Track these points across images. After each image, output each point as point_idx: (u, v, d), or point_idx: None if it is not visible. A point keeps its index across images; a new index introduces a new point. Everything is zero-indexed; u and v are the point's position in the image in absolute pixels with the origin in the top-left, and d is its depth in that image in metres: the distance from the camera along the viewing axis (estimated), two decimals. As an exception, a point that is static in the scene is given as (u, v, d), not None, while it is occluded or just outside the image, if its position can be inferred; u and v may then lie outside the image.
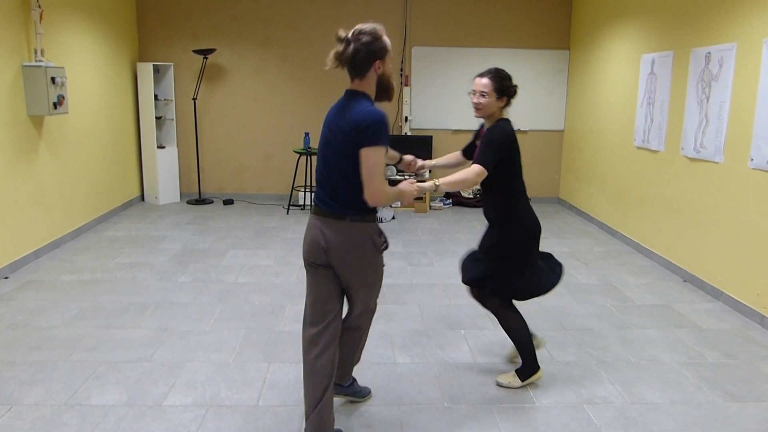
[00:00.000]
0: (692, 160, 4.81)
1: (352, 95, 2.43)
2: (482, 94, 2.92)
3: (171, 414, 2.82)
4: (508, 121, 2.96)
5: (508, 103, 3.00)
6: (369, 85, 2.44)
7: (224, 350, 3.49)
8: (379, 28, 2.49)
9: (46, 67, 4.89)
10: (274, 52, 7.56)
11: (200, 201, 7.60)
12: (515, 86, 3.01)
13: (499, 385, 3.14)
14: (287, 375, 3.21)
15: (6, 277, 4.62)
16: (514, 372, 3.16)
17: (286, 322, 3.92)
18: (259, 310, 4.11)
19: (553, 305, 4.29)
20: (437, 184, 2.72)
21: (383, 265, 2.63)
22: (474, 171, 2.78)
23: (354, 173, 2.32)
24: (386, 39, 2.49)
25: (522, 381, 3.12)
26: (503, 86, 2.95)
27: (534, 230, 2.98)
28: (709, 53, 4.55)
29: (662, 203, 5.27)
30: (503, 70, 3.03)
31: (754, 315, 4.04)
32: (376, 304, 2.79)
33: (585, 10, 7.16)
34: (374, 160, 2.28)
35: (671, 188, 5.12)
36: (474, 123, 7.71)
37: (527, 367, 3.12)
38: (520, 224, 2.95)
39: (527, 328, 3.08)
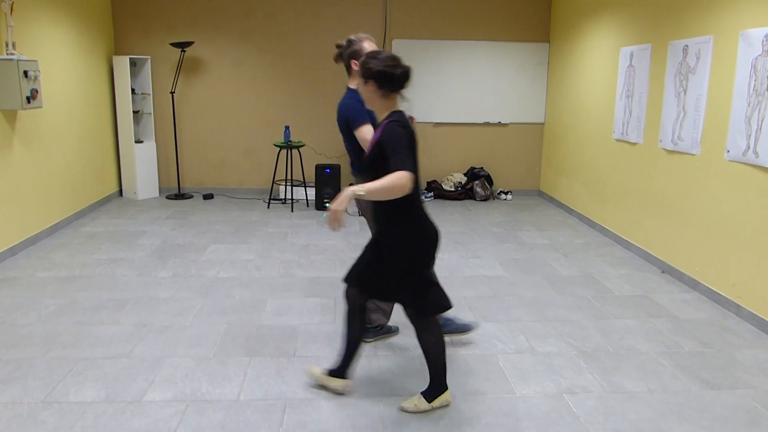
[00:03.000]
0: (670, 152, 4.87)
1: None
2: None
3: (151, 410, 2.79)
4: (398, 112, 2.62)
5: (387, 90, 2.57)
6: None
7: (205, 345, 3.46)
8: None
9: (18, 60, 4.78)
10: (253, 44, 7.50)
11: (180, 196, 7.52)
12: (375, 68, 2.52)
13: (404, 410, 2.83)
14: (268, 369, 3.20)
15: (-20, 275, 4.54)
16: (419, 394, 2.85)
17: (268, 316, 3.90)
18: (240, 304, 4.08)
19: (534, 296, 4.33)
20: (360, 192, 2.39)
21: None
22: (400, 176, 2.39)
23: None
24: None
25: (429, 402, 2.81)
26: (362, 69, 2.58)
27: (430, 238, 2.68)
28: (687, 46, 4.60)
29: (641, 195, 5.34)
30: (373, 51, 2.64)
31: (729, 304, 4.12)
32: None
33: (565, 3, 7.19)
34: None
35: (649, 180, 5.18)
36: (454, 116, 7.73)
37: (436, 386, 2.82)
38: (413, 230, 2.65)
39: (443, 344, 2.77)
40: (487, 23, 7.62)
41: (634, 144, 5.46)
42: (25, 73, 4.82)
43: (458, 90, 7.71)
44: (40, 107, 5.14)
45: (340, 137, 7.83)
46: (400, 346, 3.51)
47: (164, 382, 3.04)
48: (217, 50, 7.47)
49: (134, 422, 2.69)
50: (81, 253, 5.14)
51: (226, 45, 7.46)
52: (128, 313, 3.89)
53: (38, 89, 5.02)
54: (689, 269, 4.60)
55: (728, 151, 4.10)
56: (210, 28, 7.41)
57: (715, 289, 4.29)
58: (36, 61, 5.03)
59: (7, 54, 4.86)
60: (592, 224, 6.34)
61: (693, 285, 4.53)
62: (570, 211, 6.98)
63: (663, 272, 4.91)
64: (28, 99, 4.87)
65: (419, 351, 3.44)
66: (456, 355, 3.40)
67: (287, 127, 7.08)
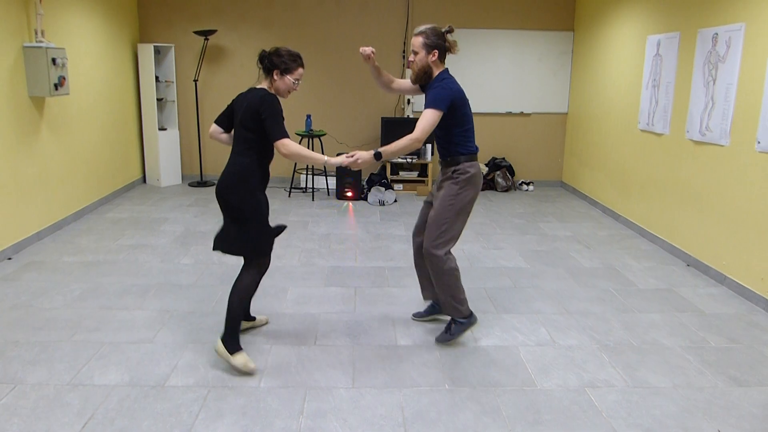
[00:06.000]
0: (697, 143, 4.76)
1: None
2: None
3: (173, 394, 2.83)
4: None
5: (270, 75, 3.08)
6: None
7: (226, 332, 3.49)
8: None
9: (47, 47, 4.84)
10: (275, 33, 7.49)
11: (202, 183, 7.58)
12: (266, 57, 3.09)
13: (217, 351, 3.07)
14: (289, 357, 3.22)
15: (9, 258, 4.62)
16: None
17: (288, 304, 3.92)
18: (261, 292, 4.10)
19: (556, 288, 4.28)
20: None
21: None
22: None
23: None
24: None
25: (230, 354, 3.01)
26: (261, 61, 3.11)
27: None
28: (717, 34, 4.48)
29: (666, 187, 5.24)
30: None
31: (758, 300, 4.03)
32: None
33: (591, -9, 7.06)
34: None
35: (676, 172, 5.08)
36: (476, 106, 7.65)
37: (230, 337, 3.04)
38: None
39: (247, 302, 3.14)
40: (511, 11, 7.51)
41: (660, 135, 5.35)
42: (54, 60, 4.88)
43: (480, 79, 7.63)
44: (67, 94, 5.20)
45: (361, 126, 7.84)
46: (419, 336, 3.51)
47: (186, 368, 3.07)
48: (240, 38, 7.48)
49: (157, 406, 2.73)
50: (105, 238, 5.21)
51: (249, 33, 7.47)
52: (151, 299, 3.94)
53: (66, 76, 5.08)
54: (716, 263, 4.51)
55: (759, 142, 4.00)
56: (233, 17, 7.42)
57: (743, 284, 4.20)
58: (64, 48, 5.09)
59: (37, 42, 4.93)
60: (616, 216, 6.25)
61: (720, 279, 4.44)
62: (593, 202, 6.88)
63: (689, 266, 4.82)
64: (56, 86, 4.94)
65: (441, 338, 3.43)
66: (477, 346, 3.39)
67: (309, 116, 7.08)
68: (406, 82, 3.47)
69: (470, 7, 7.49)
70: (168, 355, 3.20)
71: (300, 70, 3.08)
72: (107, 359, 3.14)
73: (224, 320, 3.05)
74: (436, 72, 3.21)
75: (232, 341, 3.04)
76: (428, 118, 3.05)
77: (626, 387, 2.99)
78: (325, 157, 3.06)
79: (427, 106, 3.09)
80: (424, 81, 3.24)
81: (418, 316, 3.73)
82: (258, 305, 3.88)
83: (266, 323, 3.64)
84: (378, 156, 3.06)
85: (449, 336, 3.36)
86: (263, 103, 2.93)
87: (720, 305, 4.05)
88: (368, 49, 3.29)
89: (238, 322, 3.05)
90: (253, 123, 2.96)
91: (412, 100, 7.58)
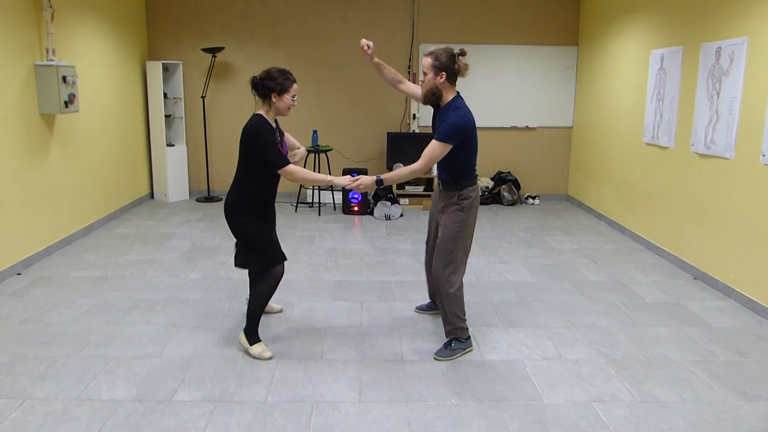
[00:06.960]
0: (702, 156, 4.77)
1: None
2: None
3: (180, 409, 2.84)
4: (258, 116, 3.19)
5: (267, 98, 3.17)
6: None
7: (233, 346, 3.50)
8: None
9: (58, 66, 4.92)
10: (283, 50, 7.58)
11: (209, 199, 7.63)
12: (262, 82, 3.17)
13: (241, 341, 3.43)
14: (296, 371, 3.22)
15: (18, 274, 4.66)
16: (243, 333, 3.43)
17: (295, 318, 3.93)
18: (268, 307, 4.11)
19: (562, 302, 4.27)
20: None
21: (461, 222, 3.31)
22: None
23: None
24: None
25: (249, 344, 3.38)
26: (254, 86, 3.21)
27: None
28: (720, 48, 4.51)
29: (672, 200, 5.24)
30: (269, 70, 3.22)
31: (766, 313, 4.01)
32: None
33: (593, 5, 7.11)
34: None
35: (681, 185, 5.08)
36: (481, 120, 7.69)
37: (251, 330, 3.39)
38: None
39: (266, 303, 3.39)
40: (515, 27, 7.57)
41: (665, 148, 5.36)
42: (64, 78, 4.96)
43: (485, 94, 7.67)
44: (77, 111, 5.28)
45: (367, 141, 7.88)
46: (425, 350, 3.51)
47: (193, 383, 3.08)
48: (247, 56, 7.57)
49: (164, 421, 2.74)
50: (114, 254, 5.25)
51: (256, 50, 7.56)
52: (159, 314, 3.96)
53: (76, 94, 5.15)
54: (723, 276, 4.49)
55: (764, 155, 4.00)
56: (240, 34, 7.51)
57: (750, 297, 4.18)
58: (74, 66, 5.18)
59: (48, 60, 5.01)
60: (622, 229, 6.24)
61: (727, 292, 4.43)
62: (599, 216, 6.88)
63: (696, 279, 4.80)
64: (66, 103, 5.01)
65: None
66: (483, 360, 3.38)
67: (315, 132, 7.14)
68: (415, 89, 3.51)
69: (475, 22, 7.55)
70: (175, 370, 3.21)
71: (295, 86, 3.23)
72: (115, 374, 3.16)
73: (246, 315, 3.41)
74: (446, 95, 3.20)
75: (252, 333, 3.39)
76: (436, 151, 3.09)
77: (633, 401, 2.98)
78: (329, 177, 3.22)
79: (437, 138, 3.09)
80: (433, 103, 3.27)
81: (421, 309, 3.91)
82: (264, 319, 3.89)
83: (280, 311, 4.00)
84: (380, 182, 3.20)
85: (450, 352, 3.38)
86: (252, 137, 3.10)
87: (727, 318, 4.03)
88: (364, 43, 3.35)
89: (257, 318, 3.39)
90: (248, 152, 3.14)
91: (417, 115, 7.63)
